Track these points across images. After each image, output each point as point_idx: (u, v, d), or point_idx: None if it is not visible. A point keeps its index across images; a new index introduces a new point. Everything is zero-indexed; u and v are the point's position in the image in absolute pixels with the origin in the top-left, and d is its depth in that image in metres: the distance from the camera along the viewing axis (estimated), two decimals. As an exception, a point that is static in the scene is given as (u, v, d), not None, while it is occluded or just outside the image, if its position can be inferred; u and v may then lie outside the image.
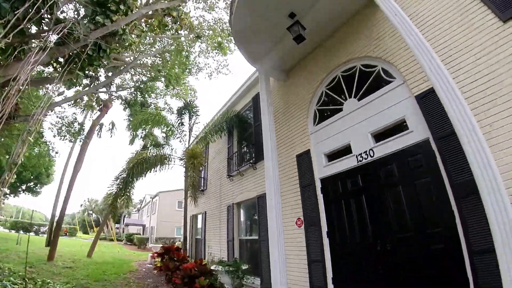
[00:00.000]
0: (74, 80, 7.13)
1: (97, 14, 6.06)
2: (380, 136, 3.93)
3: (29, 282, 5.10)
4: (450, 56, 3.28)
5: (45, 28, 5.81)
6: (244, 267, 4.60)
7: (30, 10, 4.68)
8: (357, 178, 4.08)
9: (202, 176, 11.02)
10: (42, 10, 5.05)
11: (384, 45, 4.09)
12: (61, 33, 5.39)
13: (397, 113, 3.70)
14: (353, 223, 3.98)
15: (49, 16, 5.57)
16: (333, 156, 4.65)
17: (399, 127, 3.71)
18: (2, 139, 8.51)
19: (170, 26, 10.34)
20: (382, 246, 3.53)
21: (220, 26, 11.39)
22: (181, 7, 9.40)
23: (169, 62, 10.71)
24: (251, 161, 7.13)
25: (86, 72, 7.28)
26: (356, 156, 4.11)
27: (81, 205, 52.72)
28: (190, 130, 9.09)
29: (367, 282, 3.61)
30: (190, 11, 10.71)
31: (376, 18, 4.29)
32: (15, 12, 4.48)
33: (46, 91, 8.34)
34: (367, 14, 4.45)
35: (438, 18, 3.50)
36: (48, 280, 5.82)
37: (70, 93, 16.22)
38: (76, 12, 6.80)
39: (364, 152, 4.01)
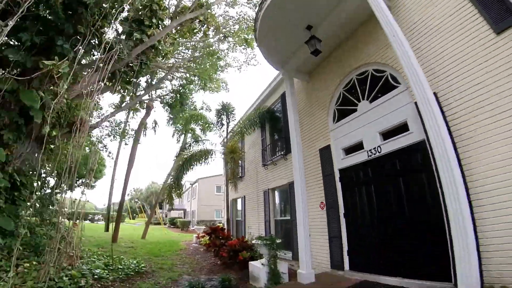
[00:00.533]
0: (124, 93, 8.74)
1: (134, 31, 7.28)
2: (386, 135, 4.62)
3: (109, 258, 6.81)
4: (446, 66, 3.82)
5: (95, 54, 7.28)
6: (278, 241, 5.71)
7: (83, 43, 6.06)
8: (367, 170, 4.86)
9: (240, 165, 12.32)
10: (92, 43, 6.48)
11: (391, 53, 4.64)
12: (111, 58, 6.68)
13: (401, 116, 4.34)
14: (364, 206, 4.82)
15: (97, 42, 6.90)
16: (349, 150, 5.42)
17: (402, 128, 4.35)
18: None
19: (198, 28, 11.40)
20: (384, 224, 4.36)
21: (245, 20, 12.07)
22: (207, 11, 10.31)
23: (202, 66, 11.89)
24: (282, 153, 8.11)
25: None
26: (367, 152, 4.86)
27: (128, 194, 59.41)
28: (228, 127, 10.30)
29: (370, 251, 4.52)
30: (215, 12, 11.59)
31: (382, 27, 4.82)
32: (74, 50, 5.86)
33: (96, 103, 10.12)
34: (374, 23, 4.98)
35: (438, 26, 3.97)
36: (122, 256, 7.58)
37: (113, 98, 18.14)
38: (115, 31, 8.02)
39: (373, 148, 4.74)
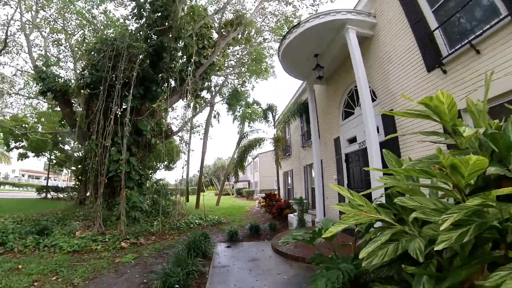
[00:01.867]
0: (197, 105, 12.28)
1: (189, 47, 10.28)
2: (347, 142, 6.79)
3: (200, 215, 10.76)
4: (398, 88, 5.81)
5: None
6: (305, 201, 8.57)
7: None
8: (359, 156, 7.16)
9: (288, 144, 15.15)
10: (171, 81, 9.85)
11: (370, 74, 6.63)
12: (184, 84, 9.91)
13: (376, 122, 6.46)
14: (356, 179, 7.23)
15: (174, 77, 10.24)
16: (350, 141, 7.70)
17: (377, 130, 6.48)
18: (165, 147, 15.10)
19: (241, 38, 13.90)
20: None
21: (280, 15, 13.85)
22: (246, 19, 12.63)
23: (251, 67, 14.58)
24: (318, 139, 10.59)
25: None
26: (358, 144, 7.12)
27: (198, 170, 68.50)
28: (274, 120, 13.13)
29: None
30: (254, 19, 13.75)
31: (365, 56, 6.75)
32: (164, 91, 9.31)
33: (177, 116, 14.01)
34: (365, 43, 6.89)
35: (397, 57, 5.81)
36: (207, 214, 11.53)
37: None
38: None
39: (361, 142, 6.98)
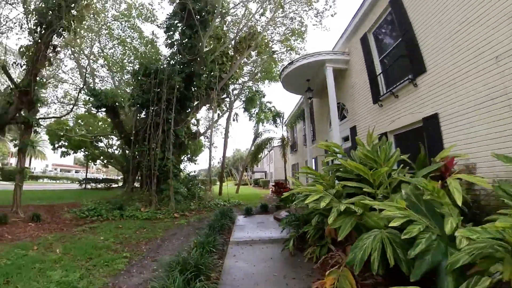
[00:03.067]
0: (220, 112, 15.23)
1: (213, 70, 13.12)
2: (345, 139, 9.39)
3: (224, 199, 13.83)
4: (358, 113, 8.36)
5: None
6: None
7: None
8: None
9: (295, 141, 17.84)
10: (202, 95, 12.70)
11: (344, 97, 9.17)
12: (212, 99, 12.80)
13: (347, 132, 9.05)
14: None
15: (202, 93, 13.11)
16: (344, 139, 10.31)
17: (348, 138, 9.07)
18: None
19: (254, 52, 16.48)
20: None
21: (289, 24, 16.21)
22: (259, 34, 15.18)
23: (263, 74, 17.25)
24: (312, 140, 13.25)
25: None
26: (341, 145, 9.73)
27: (218, 162, 72.84)
28: (282, 124, 15.89)
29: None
30: (265, 33, 16.22)
31: (341, 79, 9.28)
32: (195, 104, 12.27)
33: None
34: (337, 77, 9.41)
35: (358, 88, 8.32)
36: (229, 199, 14.63)
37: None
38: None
39: (343, 144, 9.59)
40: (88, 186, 26.10)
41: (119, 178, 37.15)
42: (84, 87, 14.19)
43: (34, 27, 7.93)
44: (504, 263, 1.67)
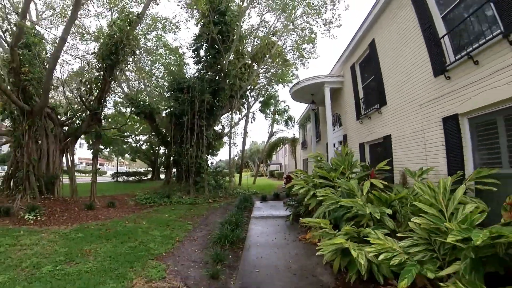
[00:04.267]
0: (239, 115, 18.04)
1: (235, 83, 15.82)
2: (340, 143, 11.93)
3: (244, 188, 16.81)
4: (347, 121, 10.88)
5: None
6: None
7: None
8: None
9: (305, 139, 20.40)
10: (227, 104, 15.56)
11: (340, 110, 11.65)
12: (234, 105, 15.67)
13: (341, 138, 11.57)
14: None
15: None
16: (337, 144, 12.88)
17: (341, 143, 11.60)
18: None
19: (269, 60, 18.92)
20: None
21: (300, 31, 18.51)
22: (274, 44, 17.63)
23: (277, 78, 19.78)
24: (317, 140, 15.81)
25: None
26: (336, 148, 12.30)
27: (236, 156, 76.35)
28: (294, 126, 18.51)
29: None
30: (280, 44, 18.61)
31: (338, 95, 11.74)
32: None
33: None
34: (335, 93, 11.86)
35: (346, 107, 10.80)
36: (249, 188, 17.60)
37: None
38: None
39: (336, 148, 12.15)
40: (120, 179, 28.89)
41: (143, 170, 40.12)
42: (126, 97, 17.42)
43: (102, 65, 10.80)
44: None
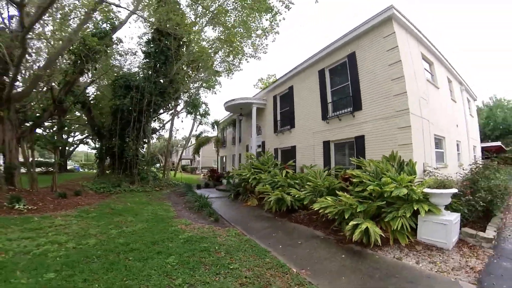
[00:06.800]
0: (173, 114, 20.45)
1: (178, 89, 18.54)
2: (259, 146, 16.62)
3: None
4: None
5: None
6: (231, 173, 18.20)
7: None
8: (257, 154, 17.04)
9: (224, 140, 24.45)
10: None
11: (262, 124, 16.33)
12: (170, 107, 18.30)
13: (260, 143, 16.26)
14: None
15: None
16: (257, 147, 17.50)
17: (260, 146, 16.32)
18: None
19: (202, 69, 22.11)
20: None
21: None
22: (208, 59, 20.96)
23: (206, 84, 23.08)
24: (239, 142, 20.17)
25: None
26: (256, 149, 16.92)
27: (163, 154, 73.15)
28: (217, 128, 22.23)
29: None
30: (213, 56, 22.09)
31: (261, 112, 16.40)
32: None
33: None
34: (259, 110, 16.50)
35: (267, 123, 15.57)
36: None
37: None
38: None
39: (257, 149, 16.77)
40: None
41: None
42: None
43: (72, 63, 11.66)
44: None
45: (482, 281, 3.58)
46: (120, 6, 10.58)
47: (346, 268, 4.17)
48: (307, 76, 11.77)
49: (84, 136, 29.48)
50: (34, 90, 10.77)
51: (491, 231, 5.20)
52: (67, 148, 31.12)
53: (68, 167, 33.53)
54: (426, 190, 5.27)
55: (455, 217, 5.17)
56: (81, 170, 38.36)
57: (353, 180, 6.28)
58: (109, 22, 12.21)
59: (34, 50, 11.01)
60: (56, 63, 10.94)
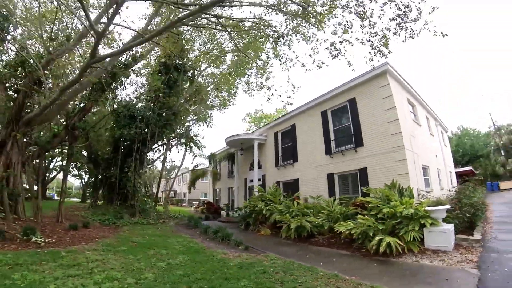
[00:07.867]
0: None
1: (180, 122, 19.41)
2: (259, 179, 17.51)
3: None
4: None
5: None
6: (229, 205, 18.49)
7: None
8: (252, 189, 17.78)
9: (219, 173, 25.01)
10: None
11: (262, 157, 17.40)
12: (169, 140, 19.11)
13: (260, 176, 17.18)
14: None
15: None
16: (250, 181, 18.29)
17: (260, 179, 17.21)
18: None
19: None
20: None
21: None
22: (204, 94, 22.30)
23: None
24: (232, 175, 20.90)
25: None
26: (253, 183, 17.73)
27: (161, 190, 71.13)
28: (213, 163, 23.03)
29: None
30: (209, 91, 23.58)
31: (262, 148, 17.55)
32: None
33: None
34: (260, 146, 17.65)
35: (267, 157, 16.66)
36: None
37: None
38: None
39: (257, 183, 17.61)
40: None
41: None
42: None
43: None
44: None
45: (480, 266, 5.14)
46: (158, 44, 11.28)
47: (383, 272, 5.29)
48: (310, 116, 13.34)
49: (76, 164, 28.88)
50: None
51: (478, 235, 7.04)
52: (47, 174, 30.06)
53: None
54: (428, 208, 6.74)
55: (450, 226, 6.73)
56: (56, 198, 36.40)
57: (368, 205, 7.40)
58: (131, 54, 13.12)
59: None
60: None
